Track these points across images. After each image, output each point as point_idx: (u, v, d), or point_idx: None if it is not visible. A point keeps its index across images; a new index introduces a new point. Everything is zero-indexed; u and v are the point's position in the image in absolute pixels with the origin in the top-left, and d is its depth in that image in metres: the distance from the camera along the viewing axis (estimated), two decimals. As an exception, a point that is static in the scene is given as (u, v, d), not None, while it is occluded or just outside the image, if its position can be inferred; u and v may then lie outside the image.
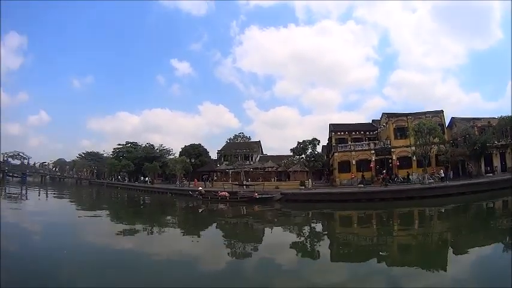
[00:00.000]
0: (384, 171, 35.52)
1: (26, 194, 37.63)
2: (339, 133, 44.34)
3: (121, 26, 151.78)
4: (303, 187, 33.69)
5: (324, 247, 13.05)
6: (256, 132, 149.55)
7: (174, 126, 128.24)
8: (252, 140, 55.15)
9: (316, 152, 39.02)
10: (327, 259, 10.86)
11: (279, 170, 45.60)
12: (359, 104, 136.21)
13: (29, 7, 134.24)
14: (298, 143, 39.11)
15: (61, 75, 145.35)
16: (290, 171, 42.53)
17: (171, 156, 65.28)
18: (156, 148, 72.97)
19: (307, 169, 40.25)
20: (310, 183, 35.17)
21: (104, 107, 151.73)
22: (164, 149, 71.93)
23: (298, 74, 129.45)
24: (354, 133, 44.38)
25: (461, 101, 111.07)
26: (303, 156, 40.58)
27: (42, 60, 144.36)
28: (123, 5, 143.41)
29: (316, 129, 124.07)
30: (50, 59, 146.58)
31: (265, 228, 18.02)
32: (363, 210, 23.16)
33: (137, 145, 76.54)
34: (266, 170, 46.20)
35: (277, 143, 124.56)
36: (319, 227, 18.87)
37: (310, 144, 38.70)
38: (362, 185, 31.61)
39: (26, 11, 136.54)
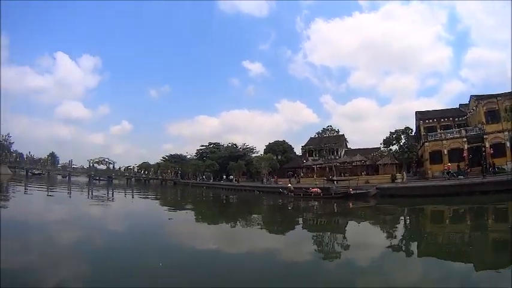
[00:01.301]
0: (448, 163, 34.76)
1: (112, 195, 38.28)
2: (427, 121, 43.68)
3: (188, 34, 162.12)
4: (399, 180, 34.67)
5: (418, 245, 12.69)
6: (336, 126, 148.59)
7: (253, 126, 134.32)
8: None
9: (409, 142, 38.55)
10: (415, 257, 10.73)
11: (366, 163, 46.56)
12: (437, 89, 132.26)
13: (97, 29, 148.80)
14: (391, 133, 39.03)
15: (138, 86, 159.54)
16: (379, 164, 43.23)
17: (255, 155, 68.97)
18: (239, 147, 77.10)
19: (396, 161, 41.11)
20: (405, 176, 35.99)
21: (182, 112, 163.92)
22: (247, 148, 76.04)
23: (371, 62, 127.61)
24: (442, 120, 43.40)
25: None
26: (391, 147, 41.20)
27: (118, 75, 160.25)
28: (187, 14, 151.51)
29: (395, 119, 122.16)
30: (125, 73, 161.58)
31: (356, 225, 17.95)
32: (464, 205, 22.22)
33: (220, 145, 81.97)
34: (354, 164, 47.57)
35: (357, 135, 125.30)
36: (416, 224, 18.48)
37: (403, 134, 38.43)
38: (462, 176, 31.21)
39: (93, 33, 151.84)
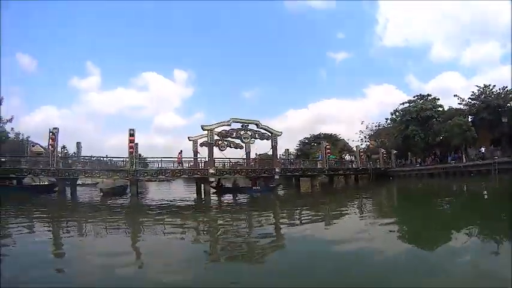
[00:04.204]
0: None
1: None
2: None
3: (265, 37, 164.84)
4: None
5: None
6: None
7: (343, 114, 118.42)
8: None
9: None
10: None
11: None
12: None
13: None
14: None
15: (231, 92, 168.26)
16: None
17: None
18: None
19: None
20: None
21: (273, 110, 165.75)
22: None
23: (454, 33, 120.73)
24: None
25: None
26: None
27: (210, 84, 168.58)
28: (258, 17, 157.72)
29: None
30: (217, 82, 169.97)
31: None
32: None
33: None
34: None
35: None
36: None
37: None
38: None
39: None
